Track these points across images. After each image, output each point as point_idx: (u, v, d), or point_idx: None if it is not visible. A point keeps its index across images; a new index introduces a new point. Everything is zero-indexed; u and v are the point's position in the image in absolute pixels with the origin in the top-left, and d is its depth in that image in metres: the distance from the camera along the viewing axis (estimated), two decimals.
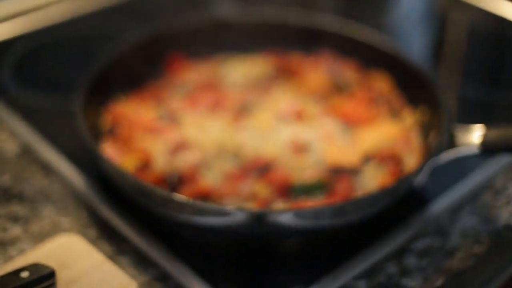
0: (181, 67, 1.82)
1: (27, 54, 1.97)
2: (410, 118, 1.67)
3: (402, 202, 1.48)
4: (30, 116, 1.74)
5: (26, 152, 1.64)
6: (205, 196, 1.44)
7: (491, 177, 1.59)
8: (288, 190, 1.47)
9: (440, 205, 1.52)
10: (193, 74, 1.81)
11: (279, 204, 1.44)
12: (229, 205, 1.40)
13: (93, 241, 1.42)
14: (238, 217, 1.31)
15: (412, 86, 1.69)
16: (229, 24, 1.88)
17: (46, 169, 1.59)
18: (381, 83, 1.77)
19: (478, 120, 1.79)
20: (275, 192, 1.45)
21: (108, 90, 1.68)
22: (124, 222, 1.45)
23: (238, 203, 1.44)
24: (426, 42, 2.21)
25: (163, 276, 1.36)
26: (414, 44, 2.13)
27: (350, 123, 1.66)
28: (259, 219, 1.31)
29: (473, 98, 1.90)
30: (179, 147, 1.56)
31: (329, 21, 1.86)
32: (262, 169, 1.51)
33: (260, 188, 1.46)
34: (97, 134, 1.61)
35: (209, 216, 1.33)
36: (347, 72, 1.82)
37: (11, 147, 1.65)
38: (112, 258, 1.39)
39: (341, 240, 1.44)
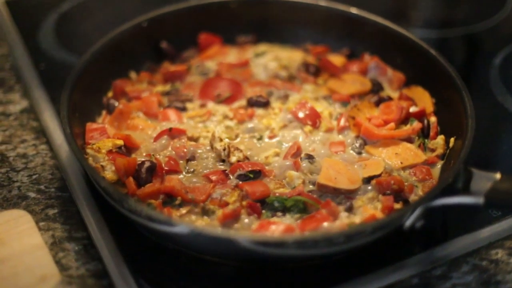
0: (212, 50, 1.68)
1: (70, 12, 1.90)
2: (440, 149, 1.44)
3: (390, 244, 1.28)
4: (50, 77, 1.67)
5: (30, 113, 1.59)
6: (171, 194, 1.31)
7: (506, 236, 1.34)
8: (264, 204, 1.31)
9: (434, 255, 1.30)
10: (221, 59, 1.66)
11: (247, 219, 1.29)
12: (175, 217, 1.26)
13: (49, 221, 1.35)
14: (180, 230, 1.18)
15: (453, 115, 1.45)
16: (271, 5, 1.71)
17: (39, 134, 1.54)
18: (423, 103, 1.53)
19: None
20: (247, 205, 1.30)
21: (119, 65, 1.59)
22: (88, 209, 1.36)
23: (203, 209, 1.30)
24: None
25: (101, 274, 1.26)
26: None
27: (371, 138, 1.46)
28: (198, 237, 1.18)
29: None
30: (169, 135, 1.44)
31: (386, 26, 1.64)
32: (245, 176, 1.36)
33: (232, 198, 1.32)
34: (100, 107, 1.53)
35: (155, 222, 1.21)
36: (391, 83, 1.61)
37: (16, 108, 1.61)
38: (60, 242, 1.32)
39: (303, 277, 1.27)
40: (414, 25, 1.94)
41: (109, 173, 1.34)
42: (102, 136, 1.42)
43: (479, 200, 1.20)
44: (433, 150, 1.45)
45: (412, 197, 1.34)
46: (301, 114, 1.49)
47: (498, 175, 1.23)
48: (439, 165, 1.42)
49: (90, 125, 1.44)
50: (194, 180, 1.37)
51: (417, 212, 1.22)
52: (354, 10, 1.67)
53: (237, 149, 1.41)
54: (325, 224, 1.27)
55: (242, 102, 1.55)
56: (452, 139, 1.43)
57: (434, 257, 1.30)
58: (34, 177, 1.44)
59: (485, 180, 1.23)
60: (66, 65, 1.71)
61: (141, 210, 1.19)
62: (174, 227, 1.18)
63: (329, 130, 1.48)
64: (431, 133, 1.48)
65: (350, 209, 1.31)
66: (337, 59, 1.66)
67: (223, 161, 1.40)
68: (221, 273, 1.28)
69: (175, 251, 1.28)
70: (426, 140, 1.46)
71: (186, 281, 1.28)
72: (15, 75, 1.70)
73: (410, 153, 1.43)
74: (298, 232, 1.25)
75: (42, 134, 1.54)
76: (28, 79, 1.67)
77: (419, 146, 1.45)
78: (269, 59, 1.66)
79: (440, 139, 1.46)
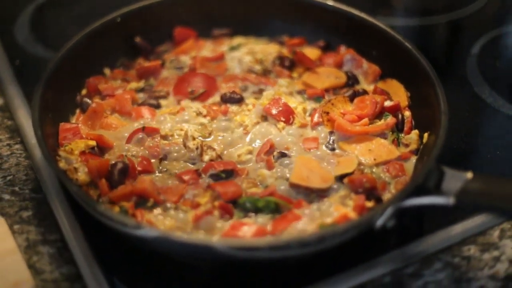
0: (187, 44, 1.67)
1: (46, 5, 1.89)
2: (414, 144, 1.44)
3: (361, 242, 1.28)
4: (26, 73, 1.67)
5: (4, 111, 1.59)
6: (143, 195, 1.32)
7: (479, 232, 1.35)
8: (236, 204, 1.32)
9: (407, 253, 1.31)
10: (196, 53, 1.65)
11: (218, 220, 1.29)
12: (143, 222, 1.27)
13: (23, 223, 1.36)
14: (141, 233, 1.18)
15: (428, 110, 1.44)
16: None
17: (14, 133, 1.54)
18: (398, 96, 1.53)
19: None
20: (219, 205, 1.30)
21: (93, 62, 1.58)
22: (62, 210, 1.36)
23: (176, 209, 1.31)
24: None
25: (74, 277, 1.27)
26: None
27: (345, 134, 1.45)
28: (157, 241, 1.19)
29: None
30: (143, 134, 1.43)
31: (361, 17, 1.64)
32: (217, 176, 1.36)
33: (204, 199, 1.32)
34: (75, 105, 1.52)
35: (125, 228, 1.21)
36: (366, 75, 1.61)
37: None
38: (34, 245, 1.32)
39: (275, 277, 1.28)
40: (395, 14, 1.94)
41: (82, 175, 1.34)
42: (75, 137, 1.42)
43: (449, 200, 1.20)
44: (407, 145, 1.45)
45: (385, 195, 1.35)
46: (274, 111, 1.49)
47: (469, 175, 1.23)
48: (413, 160, 1.42)
49: (63, 125, 1.44)
50: (167, 180, 1.37)
51: (388, 212, 1.22)
52: (330, 2, 1.66)
53: (210, 147, 1.41)
54: (297, 224, 1.28)
55: (217, 98, 1.54)
56: (425, 134, 1.43)
57: (406, 254, 1.31)
58: (8, 178, 1.44)
59: (457, 180, 1.23)
60: (41, 61, 1.71)
61: (111, 216, 1.19)
62: (142, 231, 1.18)
63: (303, 126, 1.48)
64: (405, 128, 1.48)
65: (322, 208, 1.31)
66: (312, 52, 1.65)
67: (196, 160, 1.40)
68: (196, 274, 1.29)
69: (149, 253, 1.29)
70: (400, 135, 1.46)
71: (161, 283, 1.29)
72: None
73: (383, 149, 1.43)
74: (269, 235, 1.26)
75: (17, 133, 1.53)
76: (3, 75, 1.66)
77: (393, 141, 1.45)
78: (244, 53, 1.65)
79: (414, 134, 1.46)
